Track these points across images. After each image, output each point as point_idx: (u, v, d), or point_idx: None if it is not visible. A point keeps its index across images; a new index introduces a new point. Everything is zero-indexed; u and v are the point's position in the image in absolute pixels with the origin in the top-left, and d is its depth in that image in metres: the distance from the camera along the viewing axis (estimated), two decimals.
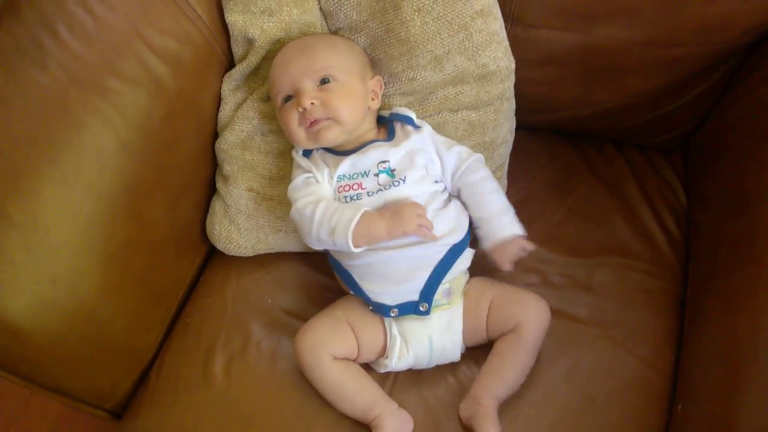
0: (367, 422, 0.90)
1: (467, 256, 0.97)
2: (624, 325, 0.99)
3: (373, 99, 0.98)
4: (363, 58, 1.00)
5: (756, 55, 1.02)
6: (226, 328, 1.01)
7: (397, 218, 0.88)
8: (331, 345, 0.91)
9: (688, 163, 1.19)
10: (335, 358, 0.91)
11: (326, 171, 0.95)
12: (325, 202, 0.92)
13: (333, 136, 0.93)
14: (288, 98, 0.95)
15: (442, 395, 0.94)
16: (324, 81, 0.93)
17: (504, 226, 0.95)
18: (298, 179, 0.97)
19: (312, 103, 0.92)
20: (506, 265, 0.95)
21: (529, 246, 0.95)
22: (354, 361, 0.94)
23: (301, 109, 0.92)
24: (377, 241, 0.89)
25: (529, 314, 0.93)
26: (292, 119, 0.94)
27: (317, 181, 0.96)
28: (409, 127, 0.99)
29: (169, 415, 0.96)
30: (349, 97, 0.93)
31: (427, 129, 0.99)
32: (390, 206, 0.91)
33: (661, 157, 1.20)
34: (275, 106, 0.98)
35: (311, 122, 0.92)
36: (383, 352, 0.94)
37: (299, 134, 0.94)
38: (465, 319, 0.94)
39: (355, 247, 0.88)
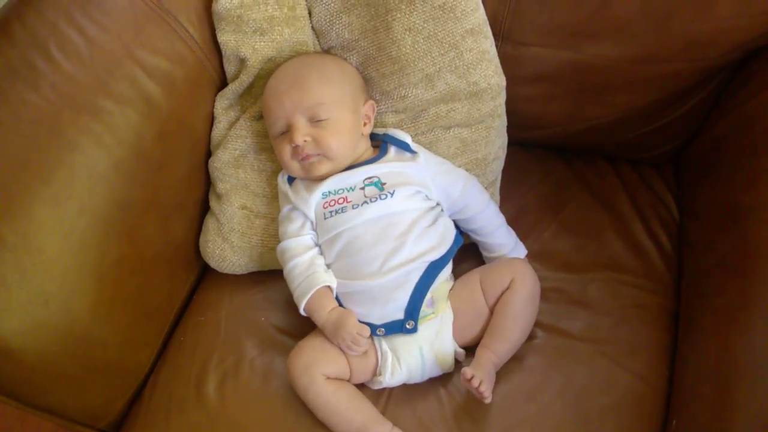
0: None
1: (447, 268, 0.98)
2: (617, 341, 0.99)
3: (365, 124, 0.99)
4: (355, 82, 1.00)
5: (743, 71, 1.03)
6: (220, 346, 1.01)
7: (336, 330, 0.91)
8: (323, 366, 0.91)
9: (680, 177, 1.19)
10: (328, 378, 0.91)
11: (304, 197, 0.96)
12: (297, 260, 0.96)
13: (325, 170, 0.96)
14: (282, 131, 0.96)
15: (435, 410, 0.94)
16: (316, 117, 0.94)
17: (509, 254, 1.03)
18: (283, 211, 1.00)
19: (305, 140, 0.93)
20: None
21: None
22: (348, 380, 0.94)
23: (293, 145, 0.94)
24: (316, 321, 0.94)
25: (518, 270, 0.96)
26: (286, 152, 0.96)
27: (296, 210, 0.98)
28: (407, 154, 0.99)
29: None
30: (340, 133, 0.95)
31: (422, 155, 0.99)
32: (341, 316, 0.92)
33: (652, 171, 1.21)
34: (269, 134, 0.99)
35: (303, 157, 0.94)
36: (376, 371, 0.94)
37: (293, 166, 0.96)
38: (458, 312, 0.94)
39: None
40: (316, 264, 0.96)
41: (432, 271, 0.94)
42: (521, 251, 1.05)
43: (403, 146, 1.00)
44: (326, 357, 0.92)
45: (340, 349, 0.92)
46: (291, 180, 1.01)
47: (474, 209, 1.00)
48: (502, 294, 0.94)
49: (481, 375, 0.87)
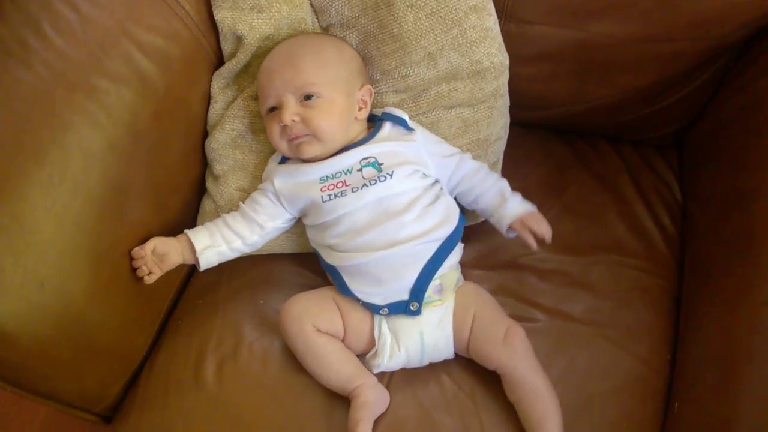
0: (347, 392, 0.90)
1: (458, 251, 0.97)
2: (620, 323, 0.99)
3: (361, 109, 0.97)
4: (352, 65, 0.98)
5: (750, 51, 1.02)
6: (218, 329, 1.00)
7: None
8: (316, 317, 0.92)
9: (683, 159, 1.18)
10: (318, 330, 0.91)
11: (300, 182, 0.96)
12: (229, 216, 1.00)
13: (314, 151, 0.95)
14: (273, 108, 0.95)
15: (437, 395, 0.93)
16: (307, 97, 0.93)
17: (516, 206, 0.98)
18: (255, 192, 1.01)
19: (293, 120, 0.92)
20: (531, 241, 0.96)
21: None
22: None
23: (282, 125, 0.92)
24: None
25: (504, 355, 0.89)
26: (275, 131, 0.95)
27: (268, 199, 0.98)
28: (402, 129, 0.98)
29: (159, 418, 0.95)
30: (331, 114, 0.93)
31: (419, 132, 0.98)
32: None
33: (655, 153, 1.20)
34: (261, 111, 0.98)
35: (292, 137, 0.93)
36: (371, 345, 0.93)
37: (282, 145, 0.96)
38: (454, 324, 0.93)
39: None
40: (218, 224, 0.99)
41: (441, 253, 0.93)
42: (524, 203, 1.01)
43: (400, 122, 0.98)
44: (321, 311, 0.93)
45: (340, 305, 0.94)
46: (283, 161, 1.00)
47: (470, 181, 0.99)
48: (503, 381, 0.90)
49: None
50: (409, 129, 0.98)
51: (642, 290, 1.02)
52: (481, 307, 0.94)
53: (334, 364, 0.91)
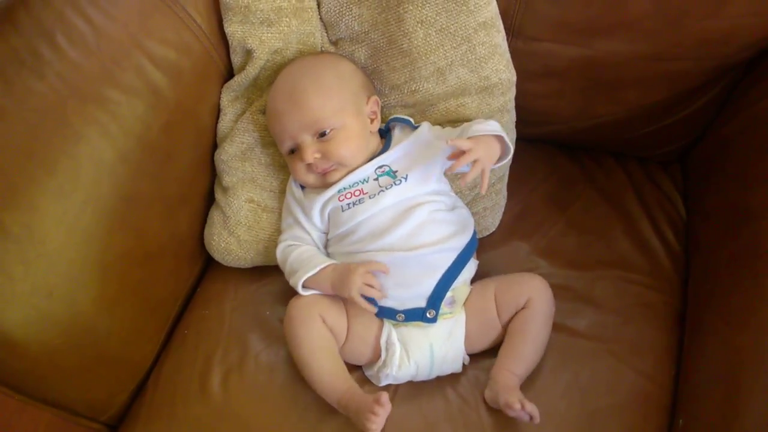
0: (341, 390, 0.88)
1: (472, 265, 0.98)
2: (623, 339, 0.99)
3: (372, 120, 0.99)
4: (354, 83, 0.98)
5: (755, 70, 1.02)
6: (224, 340, 1.00)
7: (341, 281, 0.91)
8: (325, 309, 0.92)
9: (688, 176, 1.19)
10: (324, 322, 0.91)
11: (317, 201, 0.97)
12: (300, 249, 0.97)
13: (340, 175, 0.96)
14: (292, 149, 0.97)
15: (441, 408, 0.93)
16: (322, 134, 0.94)
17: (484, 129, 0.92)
18: (285, 221, 1.02)
19: (315, 157, 0.94)
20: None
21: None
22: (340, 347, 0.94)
23: (306, 163, 0.94)
24: (324, 291, 0.94)
25: (534, 289, 0.95)
26: (300, 169, 0.96)
27: (298, 223, 0.99)
28: (408, 128, 1.00)
29: (165, 428, 0.95)
30: (349, 140, 0.95)
31: (425, 125, 0.99)
32: (349, 264, 0.92)
33: (660, 169, 1.20)
34: (280, 150, 0.99)
35: (319, 172, 0.95)
36: (372, 357, 0.94)
37: (308, 179, 0.97)
38: (470, 319, 0.94)
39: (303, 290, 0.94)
40: (316, 251, 0.98)
41: (459, 263, 0.93)
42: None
43: (406, 122, 1.00)
44: (330, 306, 0.93)
45: (347, 308, 0.94)
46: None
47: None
48: (517, 313, 0.94)
49: (521, 397, 0.86)
50: (415, 126, 1.00)
51: (646, 306, 1.02)
52: (498, 279, 0.98)
53: (337, 360, 0.91)
